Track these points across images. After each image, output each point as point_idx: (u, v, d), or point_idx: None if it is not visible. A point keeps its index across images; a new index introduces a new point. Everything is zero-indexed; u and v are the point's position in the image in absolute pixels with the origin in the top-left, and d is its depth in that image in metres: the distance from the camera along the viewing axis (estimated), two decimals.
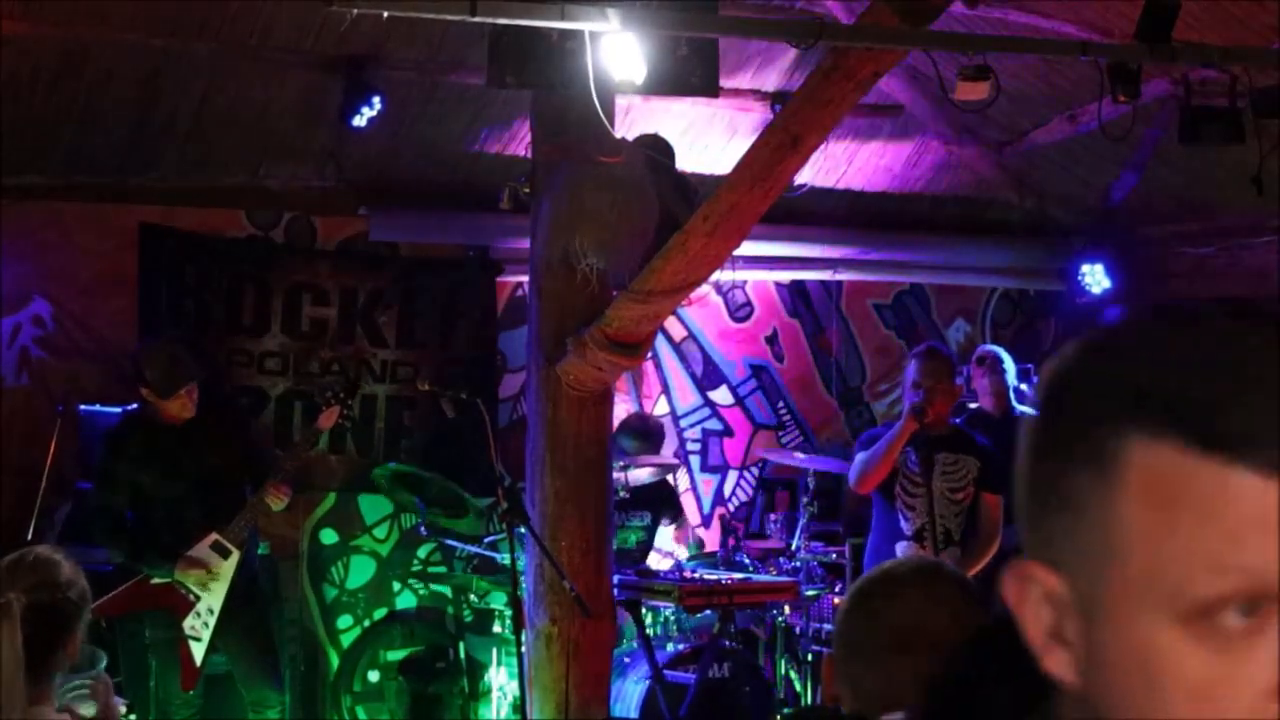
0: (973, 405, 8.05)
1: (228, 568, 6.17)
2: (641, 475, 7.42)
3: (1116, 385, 0.88)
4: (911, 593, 2.29)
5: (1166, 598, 0.85)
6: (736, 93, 7.85)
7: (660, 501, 7.74)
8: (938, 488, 6.35)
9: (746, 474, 9.03)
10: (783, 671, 7.39)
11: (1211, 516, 0.82)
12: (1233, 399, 0.83)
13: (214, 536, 6.15)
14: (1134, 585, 0.86)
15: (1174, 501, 0.84)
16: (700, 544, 8.27)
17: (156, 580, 6.12)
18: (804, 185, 8.36)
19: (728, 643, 6.79)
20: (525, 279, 7.18)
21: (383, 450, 8.04)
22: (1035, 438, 0.94)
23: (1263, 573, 0.82)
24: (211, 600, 6.14)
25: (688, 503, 8.82)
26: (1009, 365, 7.93)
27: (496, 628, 7.04)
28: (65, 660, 3.13)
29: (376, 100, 7.06)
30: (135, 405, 6.39)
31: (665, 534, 8.30)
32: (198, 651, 6.11)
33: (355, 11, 4.76)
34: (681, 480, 8.77)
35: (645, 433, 7.85)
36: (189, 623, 6.11)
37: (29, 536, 6.62)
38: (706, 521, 8.86)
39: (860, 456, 6.45)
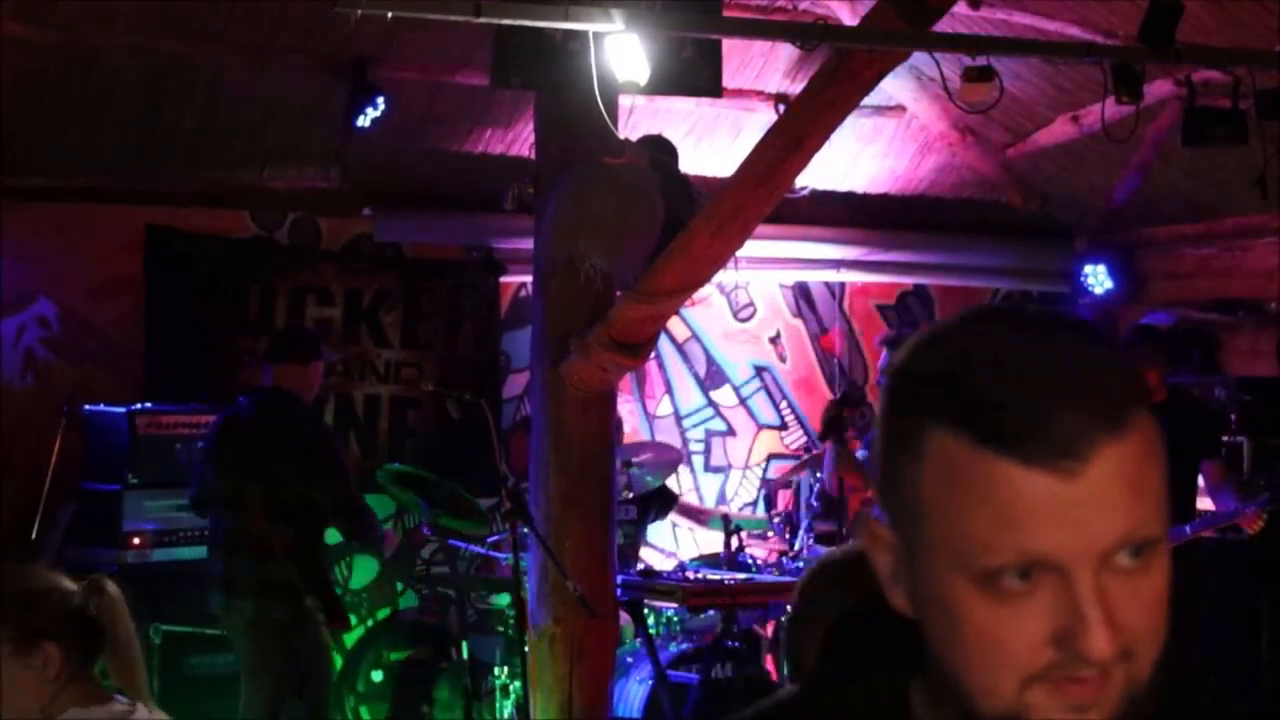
0: None
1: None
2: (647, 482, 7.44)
3: (925, 381, 1.04)
4: (848, 573, 2.31)
5: (958, 561, 1.00)
6: (740, 93, 7.86)
7: (649, 499, 7.72)
8: None
9: (749, 474, 9.04)
10: (785, 671, 7.39)
11: (986, 501, 0.97)
12: (1005, 401, 0.97)
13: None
14: (935, 545, 1.02)
15: (959, 485, 0.99)
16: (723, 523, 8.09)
17: None
18: (806, 187, 8.36)
19: (731, 643, 6.80)
20: (529, 280, 7.19)
21: (386, 451, 8.05)
22: (877, 418, 1.11)
23: (1030, 547, 0.97)
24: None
25: (690, 503, 8.83)
26: None
27: (500, 628, 7.05)
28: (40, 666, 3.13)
29: (381, 101, 7.06)
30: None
31: (670, 532, 8.30)
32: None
33: (360, 12, 4.78)
34: (685, 480, 8.78)
35: None
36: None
37: (33, 537, 6.64)
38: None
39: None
